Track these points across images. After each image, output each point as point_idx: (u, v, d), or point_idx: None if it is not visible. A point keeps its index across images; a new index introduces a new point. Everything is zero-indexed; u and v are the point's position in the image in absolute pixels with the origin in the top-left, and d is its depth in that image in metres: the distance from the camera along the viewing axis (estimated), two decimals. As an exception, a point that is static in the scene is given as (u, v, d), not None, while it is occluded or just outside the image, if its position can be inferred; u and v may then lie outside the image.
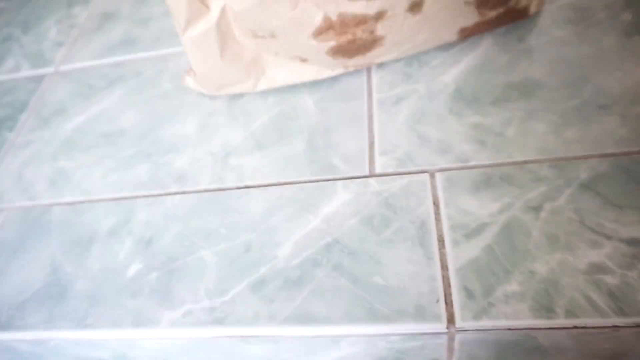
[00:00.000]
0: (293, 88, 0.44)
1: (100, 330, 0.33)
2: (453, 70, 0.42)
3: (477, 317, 0.28)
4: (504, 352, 0.31)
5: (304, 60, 0.41)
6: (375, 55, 0.41)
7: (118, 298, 0.34)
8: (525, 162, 0.35)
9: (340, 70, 0.42)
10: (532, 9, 0.42)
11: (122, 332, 0.32)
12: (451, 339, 0.29)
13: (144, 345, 0.33)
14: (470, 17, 0.40)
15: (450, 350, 0.31)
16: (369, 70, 0.44)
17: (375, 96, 0.42)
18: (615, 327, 0.27)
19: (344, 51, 0.39)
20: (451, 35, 0.41)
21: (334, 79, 0.44)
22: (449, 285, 0.30)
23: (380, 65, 0.44)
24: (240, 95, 0.45)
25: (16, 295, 0.36)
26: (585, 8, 0.43)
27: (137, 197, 0.40)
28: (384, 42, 0.39)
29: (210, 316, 0.32)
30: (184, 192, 0.39)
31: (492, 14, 0.40)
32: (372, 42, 0.39)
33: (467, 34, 0.42)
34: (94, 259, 0.37)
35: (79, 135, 0.46)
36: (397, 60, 0.43)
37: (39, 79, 0.53)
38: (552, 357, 0.31)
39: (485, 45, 0.43)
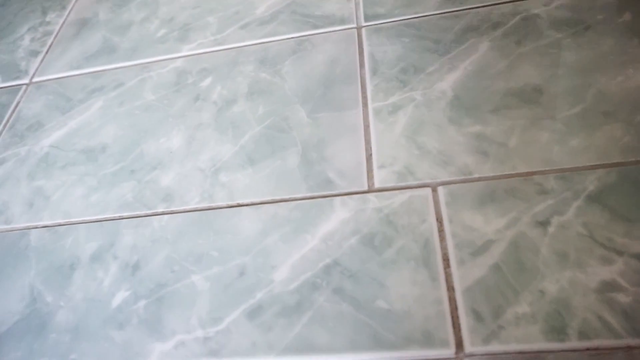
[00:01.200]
0: (284, 97, 0.43)
1: (86, 364, 0.32)
2: (450, 77, 0.41)
3: (486, 341, 0.28)
4: (514, 375, 0.30)
5: None
6: None
7: (104, 330, 0.33)
8: (530, 173, 0.34)
9: None
10: None
11: (110, 367, 0.31)
12: (460, 365, 0.29)
13: (134, 379, 0.32)
14: None
15: (459, 375, 0.30)
16: (362, 78, 0.43)
17: (370, 105, 0.41)
18: (629, 347, 0.27)
19: None
20: None
21: (327, 86, 0.43)
22: (456, 308, 0.29)
23: (375, 72, 0.43)
24: (229, 105, 0.44)
25: (-6, 328, 0.35)
26: (582, 9, 0.43)
27: (121, 218, 0.39)
28: None
29: (205, 347, 0.31)
30: (171, 212, 0.38)
31: None
32: None
33: None
34: (76, 287, 0.35)
35: (57, 151, 0.45)
36: (391, 67, 0.43)
37: (13, 91, 0.52)
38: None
39: (482, 50, 0.42)
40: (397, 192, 0.35)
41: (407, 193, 0.35)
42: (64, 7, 0.60)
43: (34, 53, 0.55)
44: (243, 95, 0.45)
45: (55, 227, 0.39)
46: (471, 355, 0.28)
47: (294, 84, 0.44)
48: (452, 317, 0.29)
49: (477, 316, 0.29)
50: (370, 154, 0.38)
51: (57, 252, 0.38)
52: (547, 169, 0.34)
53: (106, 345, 0.32)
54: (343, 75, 0.43)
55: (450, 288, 0.30)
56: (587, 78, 0.39)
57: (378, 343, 0.29)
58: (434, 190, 0.35)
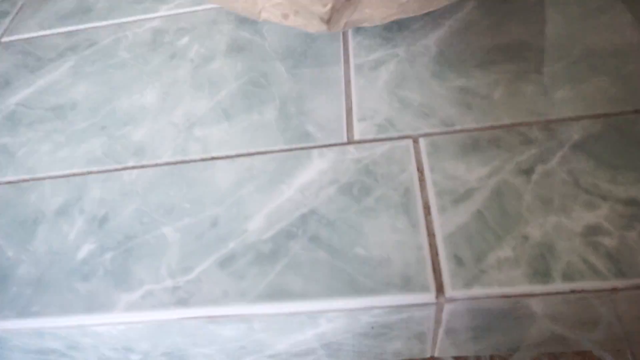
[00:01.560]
0: (263, 54, 0.42)
1: (47, 317, 0.30)
2: (435, 34, 0.40)
3: (468, 285, 0.27)
4: (493, 322, 0.29)
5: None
6: None
7: (67, 282, 0.31)
8: (514, 124, 0.34)
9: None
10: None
11: (72, 319, 0.30)
12: (439, 310, 0.28)
13: (100, 332, 0.30)
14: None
15: (438, 322, 0.29)
16: (345, 35, 0.42)
17: (352, 61, 0.40)
18: (615, 289, 0.26)
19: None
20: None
21: (308, 44, 0.42)
22: (437, 254, 0.28)
23: (358, 30, 0.42)
24: (206, 63, 0.43)
25: (-50, 282, 0.33)
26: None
27: (90, 173, 0.37)
28: None
29: (174, 296, 0.29)
30: (142, 166, 0.37)
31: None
32: None
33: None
34: (39, 241, 0.34)
35: (24, 109, 0.43)
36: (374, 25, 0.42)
37: (-20, 52, 0.50)
38: (543, 325, 0.30)
39: (468, 8, 0.42)
40: (377, 143, 0.34)
41: (387, 144, 0.34)
42: (35, -33, 0.58)
43: (3, 14, 0.53)
44: (221, 52, 0.43)
45: (20, 183, 0.38)
46: (452, 299, 0.27)
47: (275, 41, 0.43)
48: (433, 263, 0.28)
49: (458, 261, 0.28)
50: (351, 108, 0.37)
51: (20, 207, 0.36)
52: (531, 120, 0.34)
53: (70, 296, 0.31)
54: (325, 33, 0.42)
55: (431, 234, 0.29)
56: (575, 34, 0.38)
57: (355, 288, 0.28)
58: (415, 142, 0.34)
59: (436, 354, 0.35)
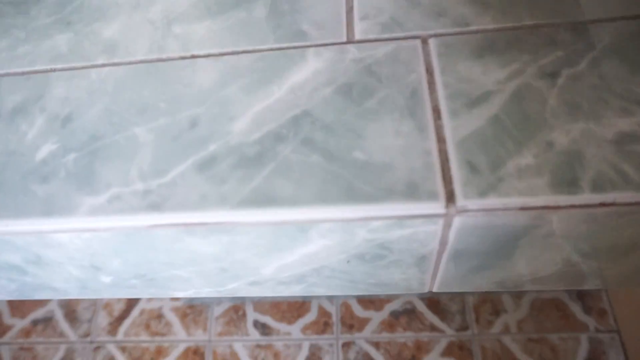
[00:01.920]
0: (253, -53, 0.37)
1: (0, 220, 0.26)
2: None
3: (483, 194, 0.24)
4: (504, 247, 0.26)
5: None
6: None
7: (23, 183, 0.27)
8: (538, 25, 0.29)
9: None
10: None
11: (29, 222, 0.26)
12: (447, 225, 0.24)
13: (62, 242, 0.27)
14: None
15: (443, 243, 0.26)
16: None
17: (354, -44, 0.35)
18: (650, 204, 0.23)
19: None
20: None
21: (304, -64, 0.37)
22: (447, 160, 0.25)
23: None
24: (187, -45, 0.38)
25: None
26: None
27: (53, 70, 0.33)
28: None
29: (144, 201, 0.26)
30: (113, 64, 0.32)
31: None
32: None
33: None
34: (-6, 141, 0.30)
35: (-19, 3, 0.38)
36: None
37: None
38: (559, 252, 0.27)
39: None
40: (380, 43, 0.30)
41: (393, 44, 0.30)
42: None
43: None
44: (205, -55, 0.38)
45: (-27, 80, 0.33)
46: (464, 209, 0.24)
47: None
48: (443, 169, 0.25)
49: (472, 168, 0.24)
50: (352, 6, 0.32)
51: (-27, 105, 0.32)
52: (558, 21, 0.29)
53: (26, 199, 0.27)
54: None
55: (441, 140, 0.26)
56: None
57: (352, 195, 0.24)
58: (425, 42, 0.30)
59: (435, 289, 0.32)
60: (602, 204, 0.23)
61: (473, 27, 0.30)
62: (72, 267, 0.30)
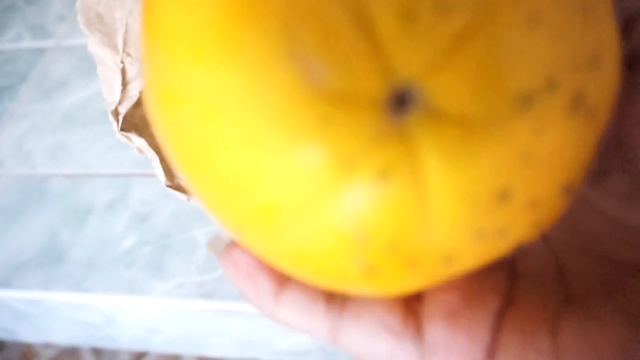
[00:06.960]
0: None
1: (94, 294, 0.37)
2: None
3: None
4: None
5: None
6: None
7: (113, 267, 0.38)
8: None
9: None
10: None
11: (115, 298, 0.37)
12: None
13: (134, 312, 0.38)
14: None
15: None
16: None
17: None
18: None
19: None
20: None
21: None
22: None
23: None
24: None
25: (15, 256, 0.40)
26: None
27: (133, 175, 0.44)
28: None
29: (200, 290, 0.36)
30: (179, 175, 0.44)
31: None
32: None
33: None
34: (90, 229, 0.41)
35: (79, 110, 0.51)
36: None
37: (41, 52, 0.57)
38: None
39: None
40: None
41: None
42: (95, -21, 0.65)
43: (62, 17, 0.61)
44: None
45: (75, 177, 0.45)
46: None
47: None
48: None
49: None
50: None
51: (75, 198, 0.43)
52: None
53: (114, 279, 0.38)
54: None
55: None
56: None
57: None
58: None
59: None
60: None
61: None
62: (135, 329, 0.41)
